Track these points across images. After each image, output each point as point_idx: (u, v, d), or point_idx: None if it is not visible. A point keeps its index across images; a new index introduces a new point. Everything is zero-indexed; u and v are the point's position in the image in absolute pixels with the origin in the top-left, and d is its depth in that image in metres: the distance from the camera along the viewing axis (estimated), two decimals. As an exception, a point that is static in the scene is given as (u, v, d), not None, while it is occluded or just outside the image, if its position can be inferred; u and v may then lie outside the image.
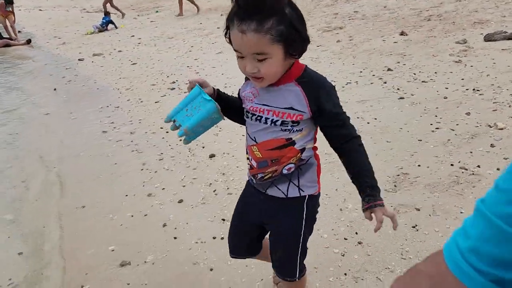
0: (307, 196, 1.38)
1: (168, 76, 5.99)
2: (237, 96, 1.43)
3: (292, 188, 1.36)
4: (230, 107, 1.40)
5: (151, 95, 5.25)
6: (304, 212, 1.40)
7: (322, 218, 2.36)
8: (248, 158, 1.41)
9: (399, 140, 3.17)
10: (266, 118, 1.28)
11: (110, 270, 2.23)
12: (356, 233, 2.27)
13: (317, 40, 6.70)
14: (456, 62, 4.69)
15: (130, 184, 3.10)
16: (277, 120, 1.27)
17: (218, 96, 1.39)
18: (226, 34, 1.20)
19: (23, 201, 3.04)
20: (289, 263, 1.47)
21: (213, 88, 1.38)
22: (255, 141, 1.33)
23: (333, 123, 1.26)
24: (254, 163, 1.37)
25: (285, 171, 1.34)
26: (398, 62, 5.05)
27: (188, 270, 2.16)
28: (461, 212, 2.32)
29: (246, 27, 1.10)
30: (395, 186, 2.64)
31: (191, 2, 11.60)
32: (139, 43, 8.81)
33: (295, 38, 1.14)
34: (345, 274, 2.01)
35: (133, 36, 9.75)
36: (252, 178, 1.42)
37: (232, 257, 1.65)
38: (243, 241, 1.60)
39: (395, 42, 5.95)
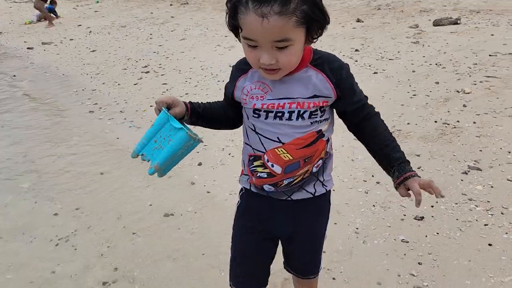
0: (330, 191, 1.29)
1: (137, 61, 6.02)
2: (225, 97, 1.25)
3: (318, 186, 1.23)
4: (213, 118, 1.25)
5: (127, 78, 5.27)
6: (329, 208, 1.32)
7: (338, 167, 2.70)
8: (254, 168, 1.22)
9: (384, 105, 3.61)
10: (291, 112, 1.11)
11: (156, 219, 2.39)
12: (373, 175, 2.64)
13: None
14: (414, 43, 5.31)
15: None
16: (304, 112, 1.11)
17: (193, 111, 1.20)
18: (230, 19, 1.01)
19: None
20: (315, 261, 1.40)
21: (186, 104, 1.18)
22: (280, 142, 1.15)
23: (356, 104, 1.15)
24: (277, 169, 1.17)
25: (315, 169, 1.20)
26: (362, 44, 5.57)
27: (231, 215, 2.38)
28: (454, 155, 2.79)
29: (268, 9, 0.93)
30: (393, 140, 3.06)
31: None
32: (90, 32, 8.59)
33: (319, 18, 1.00)
34: (373, 205, 2.37)
35: (80, 25, 9.46)
36: (270, 187, 1.21)
37: None
38: (258, 267, 1.36)
39: (353, 28, 6.50)
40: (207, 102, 1.27)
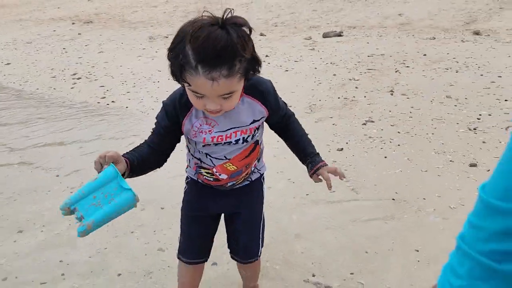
0: (263, 173, 1.58)
1: (63, 70, 6.40)
2: (162, 130, 1.33)
3: (254, 174, 1.53)
4: (145, 169, 1.30)
5: (60, 84, 5.69)
6: (263, 188, 1.59)
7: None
8: (200, 172, 1.45)
9: (299, 91, 4.77)
10: (237, 140, 1.34)
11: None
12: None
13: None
14: (311, 49, 6.71)
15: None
16: (248, 136, 1.35)
17: (132, 168, 1.22)
18: (177, 74, 1.13)
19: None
20: (256, 242, 1.60)
21: (125, 161, 1.20)
22: (226, 158, 1.37)
23: (282, 115, 1.44)
24: (223, 176, 1.42)
25: (253, 168, 1.49)
26: (270, 52, 6.80)
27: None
28: (355, 115, 4.01)
29: (218, 74, 1.08)
30: (310, 110, 4.20)
31: None
32: (-7, 48, 8.52)
33: (256, 67, 1.18)
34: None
35: (-25, 42, 9.22)
36: (218, 186, 1.48)
37: (190, 262, 1.61)
38: (207, 240, 1.62)
39: (259, 40, 7.76)
40: (138, 151, 1.30)
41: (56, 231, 2.47)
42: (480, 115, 3.77)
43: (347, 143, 3.46)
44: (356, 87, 4.78)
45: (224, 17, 1.08)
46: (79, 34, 9.60)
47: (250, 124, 1.33)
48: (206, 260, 1.65)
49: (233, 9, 1.10)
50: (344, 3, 9.97)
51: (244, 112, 1.31)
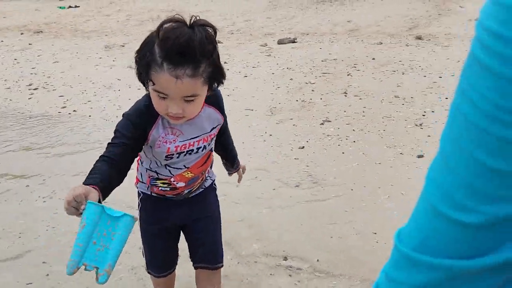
0: (214, 180, 1.66)
1: (16, 81, 6.29)
2: (127, 140, 1.27)
3: (206, 181, 1.60)
4: (111, 186, 1.19)
5: (16, 95, 5.60)
6: (216, 192, 1.66)
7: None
8: (155, 183, 1.47)
9: (258, 95, 5.01)
10: (198, 148, 1.39)
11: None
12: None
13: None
14: (267, 55, 6.99)
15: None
16: (208, 143, 1.42)
17: (102, 191, 1.11)
18: (143, 73, 1.18)
19: None
20: (220, 244, 1.62)
21: (93, 187, 1.08)
22: (185, 167, 1.42)
23: (226, 122, 1.51)
24: (180, 185, 1.45)
25: (206, 174, 1.56)
26: (228, 58, 7.02)
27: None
28: (313, 116, 4.29)
29: (182, 72, 1.12)
30: (271, 113, 4.45)
31: None
32: None
33: (220, 77, 1.24)
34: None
35: None
36: (171, 196, 1.51)
37: (161, 276, 1.64)
38: (172, 251, 1.66)
39: (216, 48, 7.96)
40: (99, 172, 1.18)
41: (35, 237, 2.54)
42: (425, 112, 4.17)
43: (307, 141, 3.73)
44: (313, 90, 5.09)
45: (192, 19, 1.14)
46: (29, 44, 9.37)
47: (210, 131, 1.40)
48: (175, 269, 1.70)
49: (198, 16, 1.17)
50: (296, 11, 10.40)
51: (205, 119, 1.37)
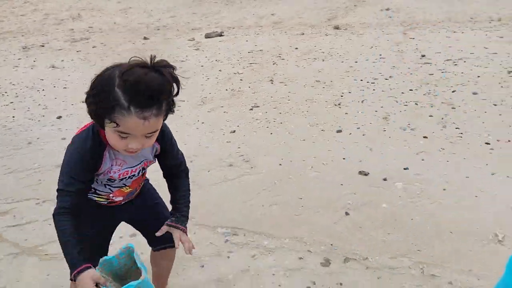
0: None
1: None
2: (81, 185, 1.35)
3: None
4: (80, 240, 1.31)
5: None
6: (148, 181, 1.74)
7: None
8: (92, 197, 1.52)
9: (189, 85, 5.18)
10: (139, 171, 1.48)
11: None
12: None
13: (68, 49, 7.91)
14: (195, 49, 7.15)
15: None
16: (147, 166, 1.52)
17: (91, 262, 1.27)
18: (101, 114, 1.21)
19: None
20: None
21: (89, 266, 1.25)
22: (126, 185, 1.50)
23: (177, 165, 1.57)
24: (118, 199, 1.54)
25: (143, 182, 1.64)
26: (156, 54, 7.06)
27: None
28: (243, 103, 4.55)
29: (149, 113, 1.17)
30: (202, 102, 4.64)
31: None
32: None
33: (172, 107, 1.29)
34: (205, 132, 3.85)
35: None
36: (111, 205, 1.57)
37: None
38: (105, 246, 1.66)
39: (143, 44, 7.96)
40: (73, 238, 1.29)
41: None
42: (342, 93, 4.59)
43: (238, 126, 3.98)
44: (241, 80, 5.35)
45: (153, 60, 1.19)
46: None
47: (152, 157, 1.49)
48: None
49: (155, 55, 1.23)
50: (221, 5, 10.60)
51: (148, 148, 1.43)
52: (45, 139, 4.01)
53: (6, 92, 5.52)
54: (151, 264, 1.88)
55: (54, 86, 5.68)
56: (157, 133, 1.29)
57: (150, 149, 1.45)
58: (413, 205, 2.62)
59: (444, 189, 2.76)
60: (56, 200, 1.37)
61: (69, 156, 1.36)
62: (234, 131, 3.87)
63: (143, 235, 1.79)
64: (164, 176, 1.62)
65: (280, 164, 3.23)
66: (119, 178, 1.43)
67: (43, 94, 5.34)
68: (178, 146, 1.58)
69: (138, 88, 1.14)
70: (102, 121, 1.23)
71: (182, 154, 1.60)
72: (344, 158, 3.25)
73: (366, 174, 2.96)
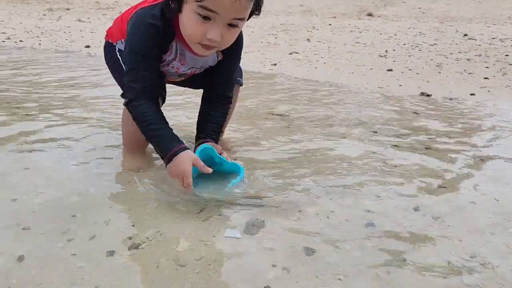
0: None
1: None
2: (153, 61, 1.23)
3: None
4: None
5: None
6: None
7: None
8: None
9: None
10: (194, 75, 1.40)
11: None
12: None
13: None
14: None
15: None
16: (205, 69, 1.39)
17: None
18: None
19: None
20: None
21: (187, 148, 1.16)
22: (180, 77, 1.41)
23: (228, 80, 1.40)
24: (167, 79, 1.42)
25: None
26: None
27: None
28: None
29: None
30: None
31: None
32: None
33: (260, 3, 1.13)
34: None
35: None
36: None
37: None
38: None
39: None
40: (164, 120, 1.21)
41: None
42: (386, 50, 4.36)
43: (279, 61, 3.73)
44: (276, 37, 5.15)
45: None
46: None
47: (208, 66, 1.37)
48: (163, 99, 1.39)
49: None
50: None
51: (210, 57, 1.31)
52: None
53: (31, 31, 5.33)
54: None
55: (81, 30, 5.50)
56: (240, 26, 1.11)
57: (211, 59, 1.33)
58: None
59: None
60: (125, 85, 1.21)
61: (136, 29, 1.19)
62: (275, 64, 3.62)
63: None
64: (203, 97, 1.43)
65: (330, 85, 2.97)
66: (177, 74, 1.35)
67: (70, 34, 5.15)
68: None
69: None
70: None
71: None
72: (400, 85, 2.98)
73: (428, 95, 2.69)
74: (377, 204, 1.14)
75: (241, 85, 1.58)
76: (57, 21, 6.52)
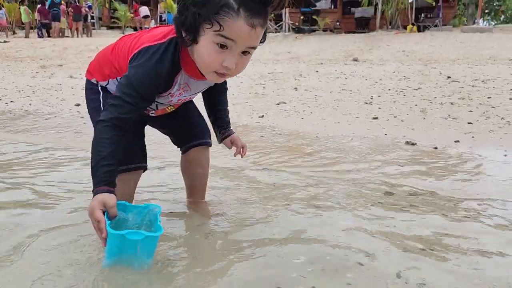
0: None
1: None
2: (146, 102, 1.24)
3: None
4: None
5: None
6: None
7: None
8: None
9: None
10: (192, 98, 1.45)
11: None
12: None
13: None
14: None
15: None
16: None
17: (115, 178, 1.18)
18: (202, 15, 1.08)
19: None
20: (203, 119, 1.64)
21: (110, 191, 1.14)
22: (171, 105, 1.43)
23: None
24: (156, 114, 1.45)
25: None
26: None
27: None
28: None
29: (258, 21, 1.08)
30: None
31: None
32: None
33: (266, 33, 1.17)
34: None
35: None
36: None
37: (130, 169, 1.40)
38: (142, 140, 1.48)
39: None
40: (112, 153, 1.16)
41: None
42: (372, 96, 4.45)
43: (266, 113, 3.79)
44: (264, 87, 5.26)
45: None
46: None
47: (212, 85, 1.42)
48: (144, 168, 1.45)
49: None
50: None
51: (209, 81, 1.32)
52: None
53: (23, 90, 5.42)
54: (183, 177, 1.61)
55: (72, 88, 5.59)
56: (253, 53, 1.16)
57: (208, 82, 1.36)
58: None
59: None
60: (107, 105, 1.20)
61: (143, 71, 1.19)
62: (263, 116, 3.67)
63: (173, 139, 1.60)
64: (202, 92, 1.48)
65: (316, 137, 3.00)
66: (177, 101, 1.36)
67: (61, 92, 5.23)
68: None
69: None
70: (198, 29, 1.10)
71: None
72: (386, 134, 3.02)
73: (413, 144, 2.72)
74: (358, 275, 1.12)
75: (210, 145, 1.59)
76: (49, 78, 6.63)
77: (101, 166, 1.14)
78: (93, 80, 1.42)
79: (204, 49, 1.12)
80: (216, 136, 1.58)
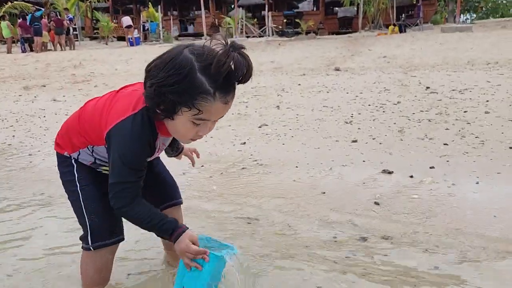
0: None
1: None
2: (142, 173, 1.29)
3: None
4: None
5: None
6: None
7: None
8: (101, 170, 1.46)
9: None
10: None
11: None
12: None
13: None
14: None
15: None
16: None
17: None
18: (181, 102, 1.13)
19: None
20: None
21: (183, 227, 1.30)
22: None
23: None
24: None
25: None
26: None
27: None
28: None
29: (230, 97, 1.14)
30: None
31: None
32: None
33: None
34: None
35: None
36: None
37: (117, 241, 1.46)
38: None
39: (145, 84, 8.01)
40: (155, 213, 1.30)
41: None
42: (352, 114, 4.52)
43: (248, 139, 3.84)
44: (246, 106, 5.31)
45: (228, 42, 1.10)
46: None
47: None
48: (123, 238, 1.50)
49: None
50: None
51: None
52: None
53: (6, 119, 5.40)
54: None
55: (56, 114, 5.58)
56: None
57: None
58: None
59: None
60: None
61: (129, 149, 1.23)
62: (245, 143, 3.72)
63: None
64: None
65: (296, 167, 3.06)
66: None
67: (45, 119, 5.23)
68: None
69: (224, 73, 1.08)
70: (174, 110, 1.16)
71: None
72: (364, 161, 3.09)
73: (390, 173, 2.80)
74: None
75: (181, 203, 1.68)
76: (32, 102, 6.61)
77: (161, 224, 1.27)
78: (65, 153, 1.44)
79: (181, 126, 1.20)
80: (167, 153, 1.66)
